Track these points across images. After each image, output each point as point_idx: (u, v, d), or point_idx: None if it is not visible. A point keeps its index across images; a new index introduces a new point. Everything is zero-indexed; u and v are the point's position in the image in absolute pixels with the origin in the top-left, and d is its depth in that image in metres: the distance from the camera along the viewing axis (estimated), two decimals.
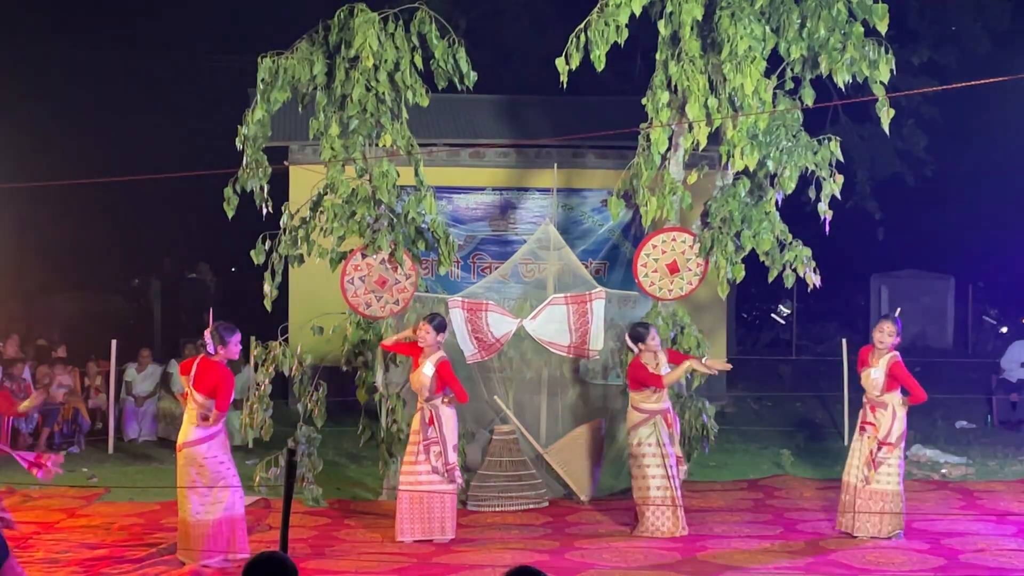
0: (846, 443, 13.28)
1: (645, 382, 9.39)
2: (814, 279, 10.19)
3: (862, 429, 9.25)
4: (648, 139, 10.33)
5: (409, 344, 9.62)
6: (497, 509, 10.37)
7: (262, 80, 10.23)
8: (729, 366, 9.83)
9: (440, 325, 9.43)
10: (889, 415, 9.13)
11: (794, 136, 10.17)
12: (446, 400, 9.29)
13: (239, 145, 10.37)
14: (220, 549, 8.36)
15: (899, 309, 9.83)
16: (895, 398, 9.16)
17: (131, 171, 14.17)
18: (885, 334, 9.16)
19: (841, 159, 10.21)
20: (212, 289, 20.92)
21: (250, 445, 12.49)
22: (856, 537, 9.13)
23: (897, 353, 9.18)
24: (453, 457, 9.27)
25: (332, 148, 10.28)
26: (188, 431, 8.44)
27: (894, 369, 9.11)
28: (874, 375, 9.18)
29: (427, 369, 9.26)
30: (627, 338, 9.70)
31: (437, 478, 9.21)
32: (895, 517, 9.09)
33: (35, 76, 22.45)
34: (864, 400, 9.31)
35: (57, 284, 20.81)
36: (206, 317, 16.52)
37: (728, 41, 9.84)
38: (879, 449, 9.11)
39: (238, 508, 8.50)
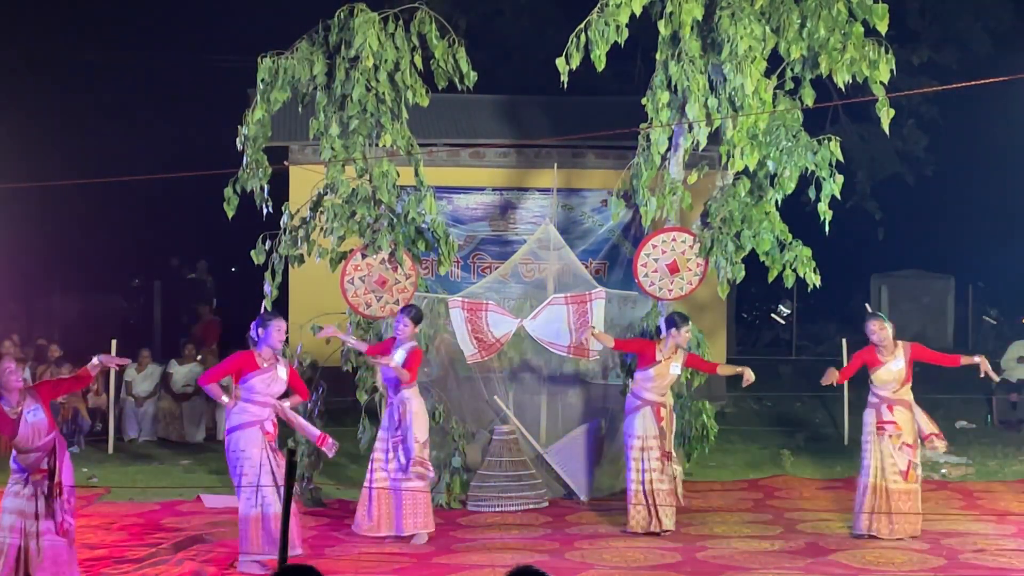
0: (846, 443, 13.29)
1: (627, 347, 9.95)
2: (814, 279, 10.19)
3: (881, 429, 9.19)
4: (648, 139, 10.32)
5: (381, 344, 9.73)
6: (497, 509, 10.36)
7: (262, 80, 10.23)
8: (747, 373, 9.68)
9: (417, 316, 9.49)
10: (910, 414, 9.17)
11: (794, 136, 10.16)
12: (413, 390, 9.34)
13: (239, 145, 10.37)
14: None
15: (867, 305, 9.88)
16: (911, 394, 9.21)
17: (131, 171, 14.17)
18: (877, 333, 9.22)
19: (841, 159, 10.20)
20: (211, 289, 20.90)
21: None
22: (879, 538, 9.09)
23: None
24: (423, 453, 9.24)
25: (332, 148, 10.27)
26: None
27: (918, 351, 9.22)
28: (895, 367, 9.19)
29: (399, 357, 9.27)
30: (661, 321, 9.78)
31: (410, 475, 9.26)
32: (919, 518, 9.19)
33: (35, 76, 22.44)
34: (876, 400, 9.26)
35: (57, 284, 20.80)
36: (206, 318, 16.53)
37: (728, 41, 9.84)
38: (900, 449, 9.14)
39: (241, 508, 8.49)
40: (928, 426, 9.21)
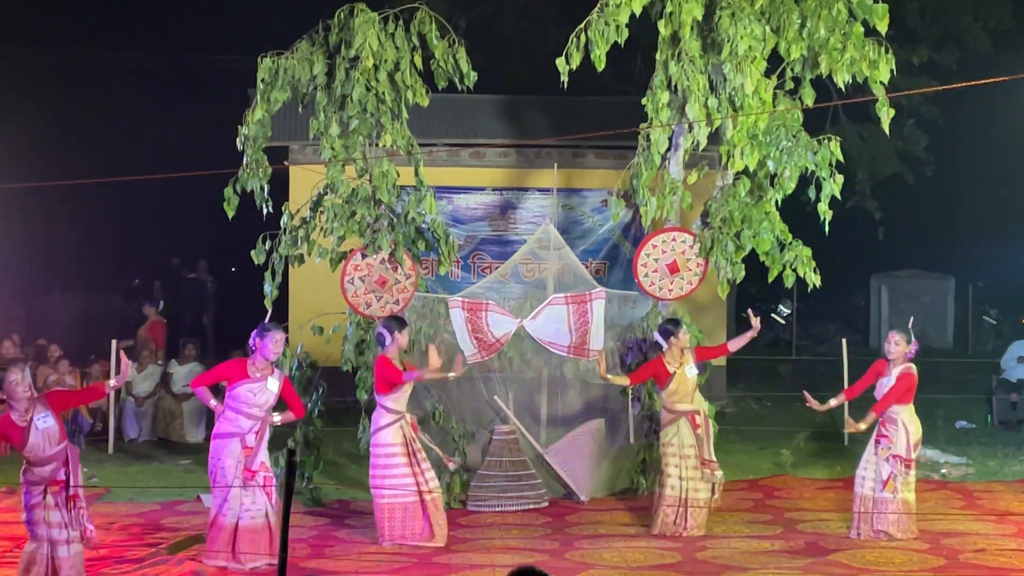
0: (846, 443, 13.28)
1: (642, 377, 9.78)
2: (814, 279, 10.19)
3: (876, 442, 9.21)
4: (648, 139, 10.33)
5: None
6: (497, 509, 10.36)
7: (262, 80, 10.24)
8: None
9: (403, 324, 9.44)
10: (901, 430, 9.12)
11: (794, 136, 10.16)
12: None
13: (239, 145, 10.38)
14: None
15: (911, 319, 9.76)
16: (903, 411, 9.14)
17: (131, 171, 14.16)
18: (892, 344, 9.19)
19: (841, 159, 10.20)
20: (210, 289, 20.91)
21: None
22: (865, 541, 9.11)
23: (912, 366, 9.18)
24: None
25: (332, 148, 10.28)
26: None
27: (899, 379, 9.12)
28: (886, 384, 9.18)
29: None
30: (656, 335, 9.72)
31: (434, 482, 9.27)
32: (910, 521, 9.14)
33: (36, 77, 22.46)
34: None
35: (57, 284, 20.82)
36: (152, 318, 16.55)
37: (728, 41, 9.84)
38: (888, 462, 9.10)
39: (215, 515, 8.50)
40: (903, 451, 9.15)
